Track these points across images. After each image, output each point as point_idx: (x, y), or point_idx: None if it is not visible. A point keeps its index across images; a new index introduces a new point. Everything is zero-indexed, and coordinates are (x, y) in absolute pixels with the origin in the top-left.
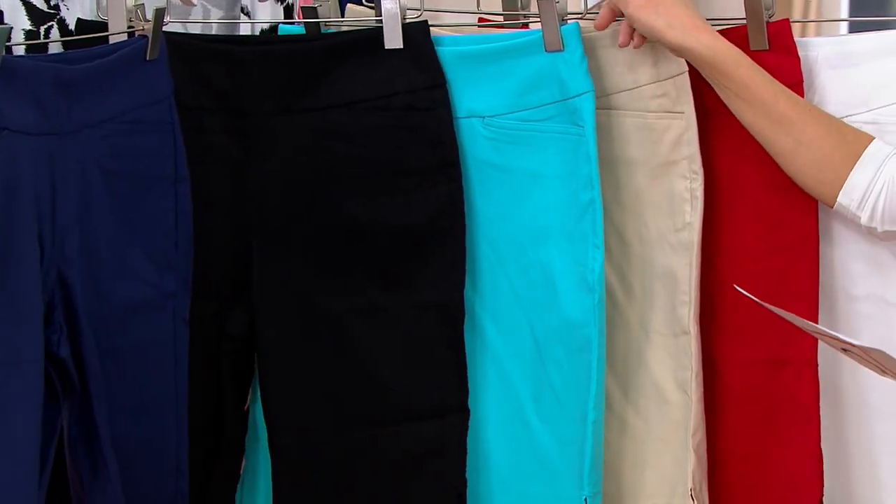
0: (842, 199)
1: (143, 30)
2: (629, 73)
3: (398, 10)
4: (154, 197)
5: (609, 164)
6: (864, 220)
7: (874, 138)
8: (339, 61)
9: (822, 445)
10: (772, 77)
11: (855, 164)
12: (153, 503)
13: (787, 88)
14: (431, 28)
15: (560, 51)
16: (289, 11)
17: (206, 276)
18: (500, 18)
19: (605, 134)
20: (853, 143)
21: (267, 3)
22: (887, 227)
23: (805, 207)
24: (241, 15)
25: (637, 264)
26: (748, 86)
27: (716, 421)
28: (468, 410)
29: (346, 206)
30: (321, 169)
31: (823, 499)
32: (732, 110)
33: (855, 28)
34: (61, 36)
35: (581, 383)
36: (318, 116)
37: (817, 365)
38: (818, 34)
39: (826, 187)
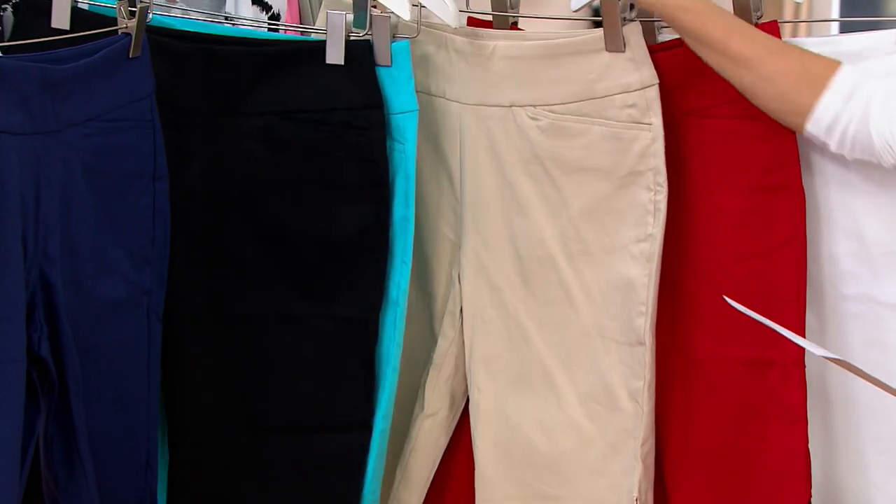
0: (810, 127)
1: (126, 28)
2: (601, 81)
3: (343, 25)
4: (134, 194)
5: (575, 170)
6: (832, 147)
7: (841, 65)
8: (281, 69)
9: (811, 445)
10: (729, 16)
11: (822, 93)
12: (123, 499)
13: (746, 26)
14: (426, 28)
15: (388, 66)
16: (274, 20)
17: None
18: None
19: (572, 140)
20: (817, 74)
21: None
22: (857, 156)
23: (792, 208)
24: (225, 22)
25: (598, 271)
26: (699, 30)
27: (702, 421)
28: (371, 428)
29: (273, 213)
30: (251, 173)
31: (811, 499)
32: (700, 57)
33: (846, 28)
34: (14, 19)
35: (376, 394)
36: (254, 121)
37: (804, 365)
38: (809, 34)
39: (793, 117)
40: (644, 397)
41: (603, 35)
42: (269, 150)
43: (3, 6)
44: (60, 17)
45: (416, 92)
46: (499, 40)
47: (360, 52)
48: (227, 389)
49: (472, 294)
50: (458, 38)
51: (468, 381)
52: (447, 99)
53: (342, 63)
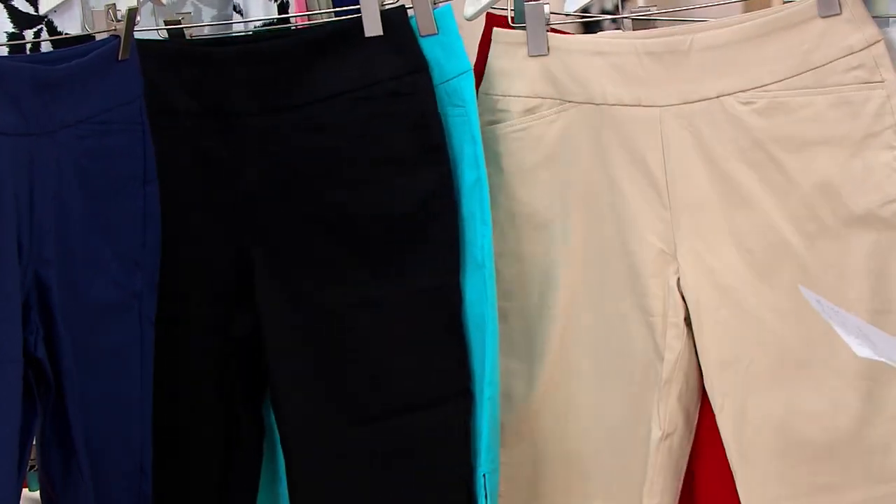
0: None
1: (115, 30)
2: (818, 49)
3: None
4: (125, 197)
5: (802, 146)
6: None
7: None
8: (320, 55)
9: None
10: None
11: None
12: (119, 503)
13: None
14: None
15: (434, 34)
16: (283, 10)
17: (205, 282)
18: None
19: (795, 115)
20: None
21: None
22: None
23: None
24: (234, 14)
25: (841, 245)
26: None
27: None
28: (472, 395)
29: (338, 199)
30: (310, 165)
31: None
32: None
33: None
34: (53, 44)
35: (476, 360)
36: (302, 112)
37: None
38: None
39: None
40: None
41: (814, 3)
42: (323, 138)
43: (38, 27)
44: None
45: (609, 106)
46: (694, 33)
47: (397, 20)
48: (328, 386)
49: (698, 300)
50: (650, 41)
51: (709, 389)
52: (643, 106)
53: (381, 34)
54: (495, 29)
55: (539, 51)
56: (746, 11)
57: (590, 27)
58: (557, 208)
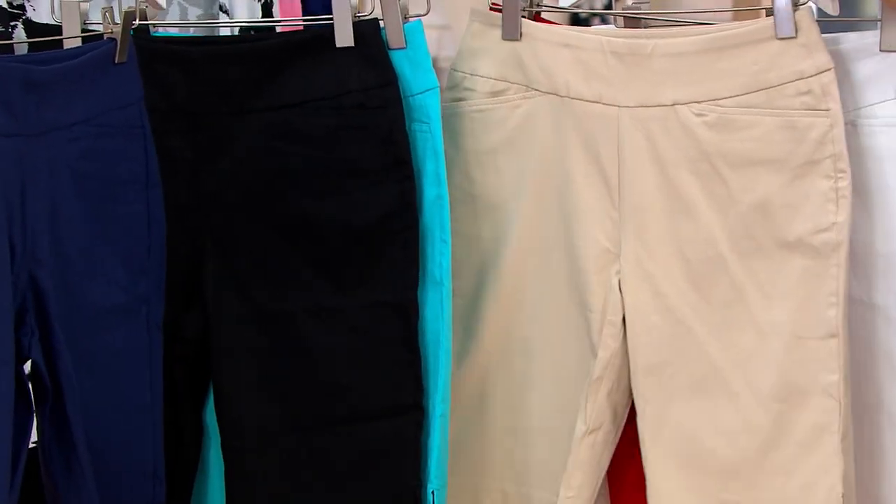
0: None
1: (111, 32)
2: (771, 70)
3: (349, 7)
4: (125, 201)
5: (745, 164)
6: None
7: None
8: (291, 61)
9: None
10: None
11: None
12: None
13: None
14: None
15: (403, 48)
16: (267, 10)
17: None
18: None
19: (742, 133)
20: None
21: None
22: None
23: None
24: (220, 13)
25: (773, 266)
26: None
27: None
28: (423, 409)
29: (298, 207)
30: (273, 169)
31: None
32: None
33: (822, 27)
34: (27, 36)
35: (430, 377)
36: (269, 116)
37: None
38: None
39: None
40: (840, 390)
41: (772, 24)
42: (287, 144)
43: (13, 23)
44: (71, 28)
45: (571, 99)
46: (657, 38)
47: (369, 32)
48: (272, 390)
49: (634, 302)
50: (616, 40)
51: (634, 391)
52: (603, 103)
53: (352, 45)
54: (473, 8)
55: (512, 35)
56: (736, 19)
57: (579, 22)
58: (510, 193)
